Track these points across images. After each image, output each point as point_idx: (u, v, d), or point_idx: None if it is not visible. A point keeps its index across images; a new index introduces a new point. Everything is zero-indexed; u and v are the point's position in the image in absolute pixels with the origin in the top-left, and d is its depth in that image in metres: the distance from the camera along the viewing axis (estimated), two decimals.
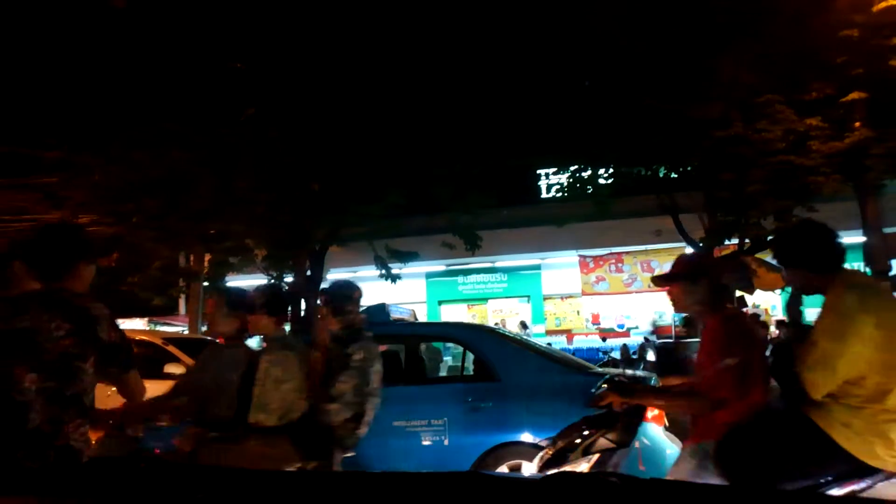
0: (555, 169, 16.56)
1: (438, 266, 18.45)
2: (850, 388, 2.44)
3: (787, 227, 2.17)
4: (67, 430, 2.11)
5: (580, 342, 17.42)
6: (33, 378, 2.07)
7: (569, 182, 14.71)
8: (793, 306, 2.88)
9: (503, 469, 4.52)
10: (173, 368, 6.77)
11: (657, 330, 16.28)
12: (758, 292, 12.41)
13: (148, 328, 16.51)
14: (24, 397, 2.06)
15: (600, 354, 12.98)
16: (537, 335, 17.54)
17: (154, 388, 3.20)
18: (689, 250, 16.02)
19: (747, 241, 12.58)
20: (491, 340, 5.42)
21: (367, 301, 6.29)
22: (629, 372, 5.02)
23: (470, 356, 5.43)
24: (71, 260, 2.34)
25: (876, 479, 2.42)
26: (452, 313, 19.36)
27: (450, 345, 10.99)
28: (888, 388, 2.43)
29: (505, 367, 4.96)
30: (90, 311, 2.22)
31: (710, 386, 2.69)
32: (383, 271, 13.86)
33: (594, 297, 18.23)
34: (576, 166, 14.31)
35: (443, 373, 10.21)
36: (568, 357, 6.02)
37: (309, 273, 13.36)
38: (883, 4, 9.63)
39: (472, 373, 5.46)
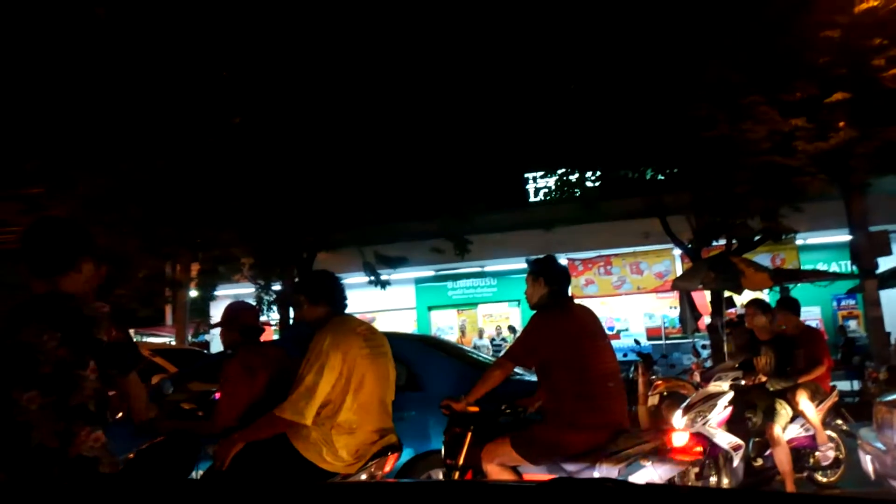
0: (542, 172, 16.60)
1: (428, 272, 18.42)
2: (319, 409, 3.10)
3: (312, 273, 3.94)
4: (79, 440, 2.01)
5: None
6: (32, 395, 1.95)
7: (556, 185, 14.74)
8: None
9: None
10: None
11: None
12: (746, 292, 12.44)
13: (134, 340, 16.36)
14: (25, 417, 1.94)
15: None
16: None
17: None
18: (677, 252, 16.12)
19: (735, 241, 12.64)
20: (417, 350, 5.38)
21: (358, 307, 6.26)
22: None
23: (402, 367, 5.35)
24: (72, 255, 2.20)
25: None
26: (442, 319, 19.34)
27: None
28: (340, 406, 3.12)
29: (429, 377, 4.95)
30: (83, 311, 2.08)
31: (216, 414, 3.54)
32: (372, 277, 13.83)
33: (583, 300, 18.20)
34: (563, 169, 14.34)
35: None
36: None
37: (297, 280, 13.31)
38: (863, 6, 9.72)
39: (401, 382, 5.39)
